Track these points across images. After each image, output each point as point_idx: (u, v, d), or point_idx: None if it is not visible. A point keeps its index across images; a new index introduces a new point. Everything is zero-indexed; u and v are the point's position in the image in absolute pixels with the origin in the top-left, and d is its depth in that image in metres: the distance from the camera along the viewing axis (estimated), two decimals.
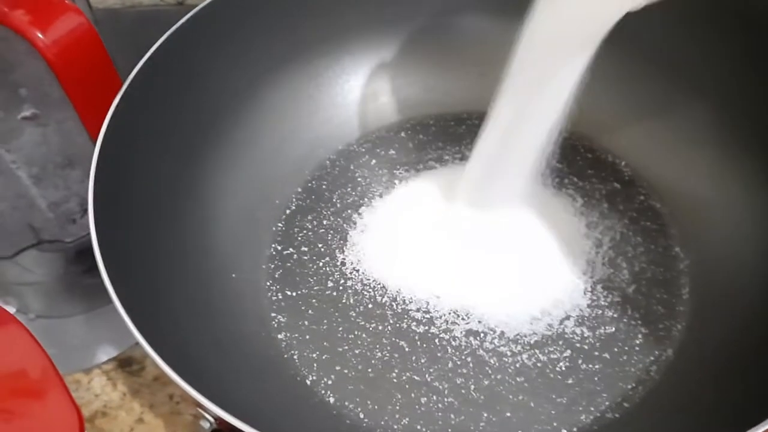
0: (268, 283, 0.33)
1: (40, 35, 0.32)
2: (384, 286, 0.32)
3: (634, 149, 0.36)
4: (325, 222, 0.35)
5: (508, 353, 0.30)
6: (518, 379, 0.29)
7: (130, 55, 0.34)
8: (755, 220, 0.31)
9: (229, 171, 0.35)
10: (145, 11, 0.55)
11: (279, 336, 0.31)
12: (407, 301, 0.32)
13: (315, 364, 0.30)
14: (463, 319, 0.31)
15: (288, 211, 0.36)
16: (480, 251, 0.32)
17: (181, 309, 0.29)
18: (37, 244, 0.47)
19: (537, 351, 0.30)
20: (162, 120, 0.33)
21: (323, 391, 0.29)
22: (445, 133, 0.38)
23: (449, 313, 0.31)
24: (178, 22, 0.34)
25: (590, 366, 0.29)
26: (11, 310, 0.50)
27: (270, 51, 0.37)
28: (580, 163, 0.36)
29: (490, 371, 0.29)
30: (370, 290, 0.32)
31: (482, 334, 0.30)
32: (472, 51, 0.39)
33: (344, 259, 0.34)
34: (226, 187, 0.35)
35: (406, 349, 0.30)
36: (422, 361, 0.30)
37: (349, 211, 0.36)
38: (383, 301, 0.32)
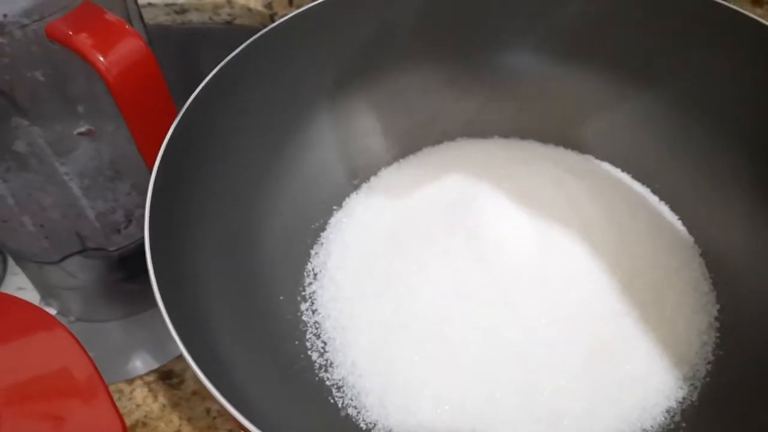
0: (305, 306, 0.34)
1: (101, 58, 0.34)
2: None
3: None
4: None
5: None
6: None
7: (179, 70, 0.36)
8: None
9: (271, 195, 0.37)
10: (195, 28, 0.56)
11: (314, 357, 0.32)
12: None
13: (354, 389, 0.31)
14: None
15: (322, 233, 0.37)
16: None
17: (224, 328, 0.30)
18: (83, 251, 0.49)
19: None
20: (213, 147, 0.35)
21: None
22: None
23: None
24: (231, 54, 0.35)
25: None
26: (52, 311, 0.52)
27: (316, 83, 0.39)
28: None
29: None
30: None
31: None
32: (506, 86, 0.40)
33: None
34: (268, 211, 0.36)
35: None
36: None
37: None
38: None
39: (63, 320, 0.52)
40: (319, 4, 0.37)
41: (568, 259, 0.32)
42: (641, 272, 0.32)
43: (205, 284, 0.30)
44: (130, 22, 0.42)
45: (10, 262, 0.48)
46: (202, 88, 0.33)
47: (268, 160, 0.37)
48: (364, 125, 0.41)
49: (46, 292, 0.53)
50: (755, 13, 0.38)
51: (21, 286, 0.52)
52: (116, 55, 0.35)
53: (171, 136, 0.31)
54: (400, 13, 0.39)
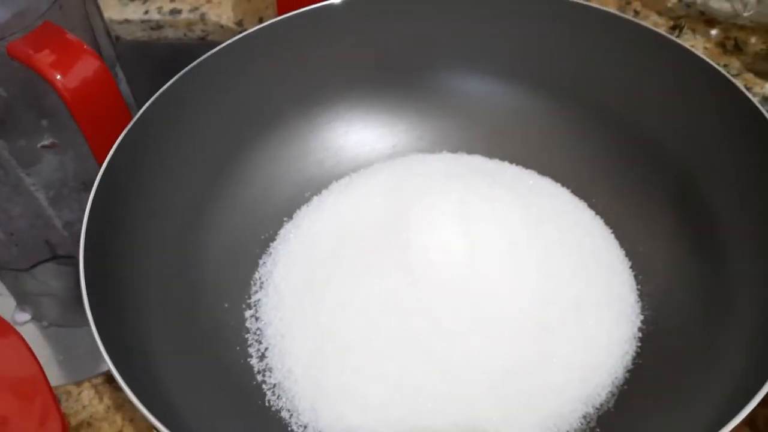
0: (249, 313, 0.36)
1: (58, 77, 0.36)
2: None
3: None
4: None
5: None
6: None
7: (157, 84, 0.38)
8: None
9: (222, 205, 0.38)
10: (171, 43, 0.58)
11: (253, 363, 0.34)
12: None
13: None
14: None
15: (271, 244, 0.38)
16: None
17: (162, 333, 0.32)
18: (53, 258, 0.51)
19: None
20: (163, 155, 0.37)
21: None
22: None
23: None
24: (184, 69, 0.37)
25: None
26: (27, 317, 0.54)
27: (270, 97, 0.41)
28: None
29: None
30: None
31: None
32: (455, 102, 0.42)
33: None
34: (218, 220, 0.38)
35: None
36: None
37: None
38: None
39: (36, 326, 0.54)
40: (266, 26, 0.38)
41: (493, 273, 0.33)
42: (565, 285, 0.34)
43: (144, 290, 0.32)
44: (95, 39, 0.44)
45: None
46: (154, 100, 0.35)
47: (220, 171, 0.39)
48: (317, 140, 0.42)
49: (21, 298, 0.55)
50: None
51: None
52: (73, 74, 0.36)
53: (119, 144, 0.33)
54: (349, 39, 0.41)
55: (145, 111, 0.36)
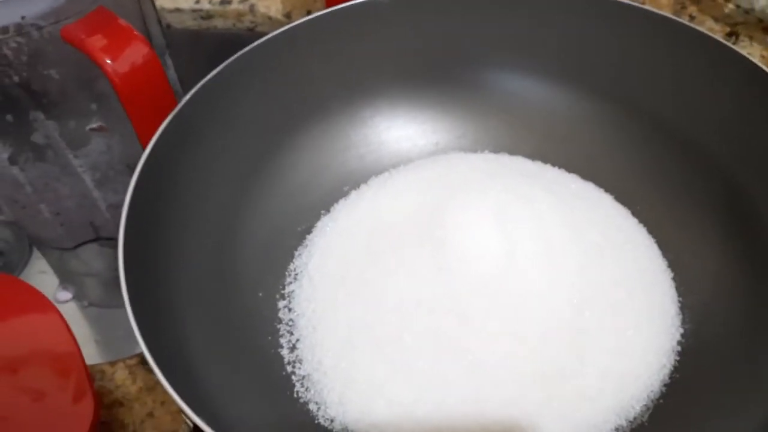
0: (282, 304, 0.36)
1: (108, 61, 0.36)
2: None
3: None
4: None
5: None
6: None
7: (205, 73, 0.38)
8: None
9: (261, 196, 0.39)
10: (220, 33, 0.59)
11: (284, 353, 0.34)
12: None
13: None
14: None
15: (308, 236, 0.38)
16: None
17: (196, 321, 0.32)
18: (96, 239, 0.52)
19: None
20: (205, 143, 0.37)
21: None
22: None
23: None
24: (230, 59, 0.38)
25: None
26: (68, 296, 0.55)
27: (313, 89, 0.41)
28: None
29: None
30: None
31: None
32: (499, 102, 0.42)
33: None
34: (256, 211, 0.38)
35: None
36: None
37: None
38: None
39: (77, 305, 0.56)
40: (313, 18, 0.39)
41: (530, 274, 0.33)
42: (603, 291, 0.33)
43: (181, 279, 0.32)
44: (145, 26, 0.44)
45: None
46: (199, 89, 0.36)
47: (260, 161, 0.39)
48: (359, 134, 0.42)
49: (64, 277, 0.56)
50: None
51: (43, 270, 0.56)
52: (123, 59, 0.37)
53: (163, 130, 0.33)
54: (396, 34, 0.41)
55: (189, 99, 0.36)
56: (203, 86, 0.36)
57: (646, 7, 0.39)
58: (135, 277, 0.29)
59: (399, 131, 0.43)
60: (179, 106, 0.36)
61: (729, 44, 0.36)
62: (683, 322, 0.34)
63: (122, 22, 0.38)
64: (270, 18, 0.56)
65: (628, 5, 0.38)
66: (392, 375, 0.32)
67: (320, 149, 0.41)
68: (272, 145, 0.40)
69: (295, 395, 0.33)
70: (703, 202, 0.36)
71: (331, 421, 0.32)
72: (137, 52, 0.37)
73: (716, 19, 0.52)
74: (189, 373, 0.29)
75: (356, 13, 0.40)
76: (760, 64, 0.35)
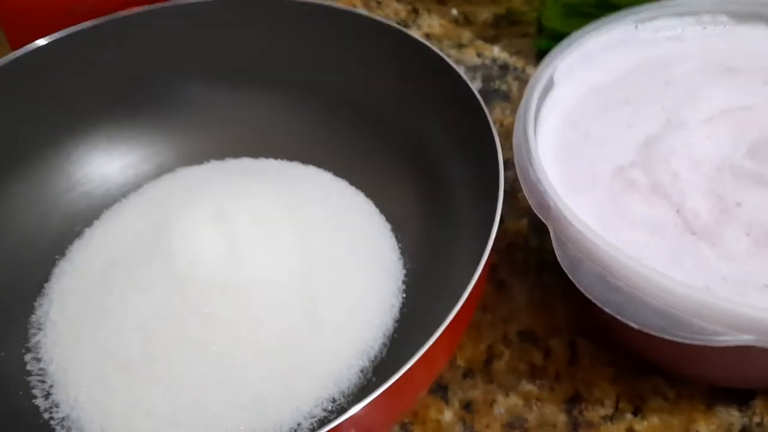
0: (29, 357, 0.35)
1: None
2: None
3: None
4: None
5: None
6: None
7: None
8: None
9: None
10: None
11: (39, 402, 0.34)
12: None
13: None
14: None
15: (46, 284, 0.38)
16: None
17: None
18: None
19: None
20: None
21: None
22: None
23: None
24: None
25: None
26: None
27: (21, 137, 0.40)
28: None
29: None
30: None
31: None
32: (214, 112, 0.45)
33: None
34: None
35: None
36: None
37: None
38: None
39: None
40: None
41: (254, 260, 0.35)
42: (328, 257, 0.36)
43: None
44: None
45: None
46: None
47: None
48: (80, 172, 0.42)
49: None
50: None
51: None
52: None
53: None
54: (92, 69, 0.42)
55: None
56: None
57: (329, 3, 0.43)
58: None
59: (121, 161, 0.44)
60: None
61: (386, 21, 0.41)
62: (404, 265, 0.38)
63: None
64: None
65: (308, 3, 0.42)
66: (147, 390, 0.33)
67: (38, 197, 0.41)
68: None
69: None
70: (399, 161, 0.41)
71: None
72: None
73: (399, 1, 0.58)
74: None
75: (48, 53, 0.40)
76: (415, 36, 0.40)
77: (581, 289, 0.26)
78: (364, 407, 0.25)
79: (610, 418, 0.32)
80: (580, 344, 0.35)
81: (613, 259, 0.25)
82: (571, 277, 0.26)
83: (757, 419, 0.32)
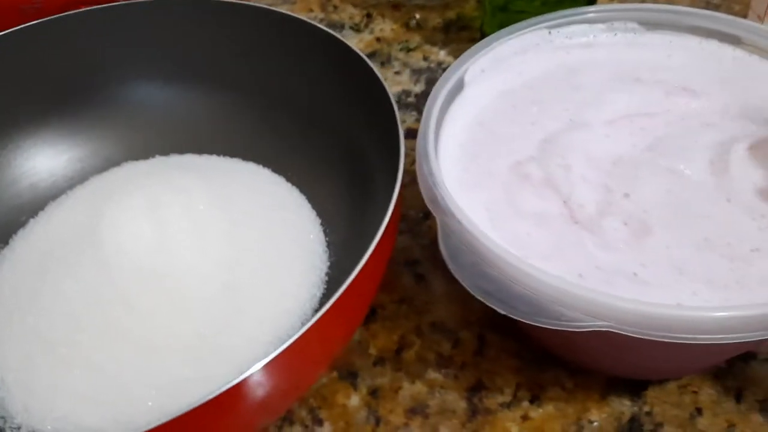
0: None
1: None
2: None
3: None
4: None
5: None
6: None
7: None
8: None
9: None
10: None
11: None
12: None
13: None
14: None
15: None
16: None
17: None
18: None
19: None
20: None
21: None
22: None
23: None
24: None
25: None
26: None
27: None
28: None
29: None
30: None
31: None
32: (156, 110, 0.46)
33: None
34: None
35: None
36: None
37: None
38: None
39: None
40: None
41: (180, 251, 0.36)
42: (252, 248, 0.38)
43: None
44: None
45: None
46: None
47: None
48: (27, 164, 0.44)
49: None
50: None
51: None
52: None
53: None
54: (38, 63, 0.43)
55: None
56: None
57: (261, 5, 0.45)
58: None
59: (69, 154, 0.45)
60: None
61: (310, 21, 0.42)
62: (329, 257, 0.40)
63: None
64: None
65: (235, 4, 0.44)
66: (70, 373, 0.34)
67: None
68: None
69: None
70: (333, 158, 0.43)
71: (18, 428, 0.34)
72: None
73: (355, 5, 0.60)
74: None
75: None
76: (337, 35, 0.41)
77: (456, 277, 0.27)
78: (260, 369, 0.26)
79: (508, 405, 0.34)
80: (489, 337, 0.36)
81: (485, 248, 0.27)
82: (449, 266, 0.28)
83: (647, 408, 0.33)
